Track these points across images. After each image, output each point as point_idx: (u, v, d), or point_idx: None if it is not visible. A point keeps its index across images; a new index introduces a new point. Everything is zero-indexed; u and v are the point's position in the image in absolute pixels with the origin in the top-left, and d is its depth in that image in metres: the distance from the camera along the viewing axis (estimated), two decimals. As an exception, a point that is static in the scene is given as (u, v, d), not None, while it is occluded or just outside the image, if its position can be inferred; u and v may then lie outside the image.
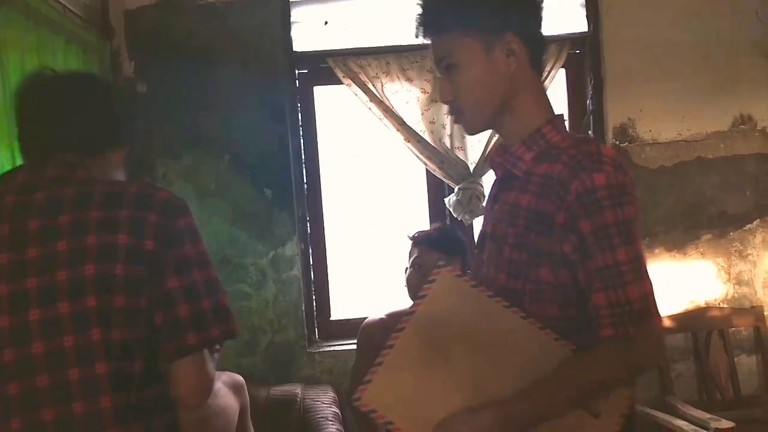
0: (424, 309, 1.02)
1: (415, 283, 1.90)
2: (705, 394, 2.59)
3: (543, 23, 1.12)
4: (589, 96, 2.73)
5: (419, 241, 1.96)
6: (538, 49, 1.11)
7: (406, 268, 1.97)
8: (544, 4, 1.12)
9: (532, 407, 0.98)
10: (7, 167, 1.53)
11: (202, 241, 1.04)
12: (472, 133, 1.18)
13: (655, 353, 1.04)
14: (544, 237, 1.01)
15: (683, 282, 2.65)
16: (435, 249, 1.91)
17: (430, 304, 1.02)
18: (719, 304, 2.68)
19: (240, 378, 1.93)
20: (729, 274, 2.69)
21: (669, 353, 2.61)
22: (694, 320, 2.62)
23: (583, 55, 2.74)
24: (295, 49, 2.65)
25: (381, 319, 2.04)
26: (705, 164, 2.69)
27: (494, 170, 1.17)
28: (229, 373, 1.92)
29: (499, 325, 1.01)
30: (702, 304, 2.68)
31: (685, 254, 2.66)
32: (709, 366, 2.58)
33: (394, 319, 2.01)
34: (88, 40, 2.13)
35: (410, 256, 1.97)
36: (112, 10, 2.42)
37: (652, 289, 1.00)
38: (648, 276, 1.00)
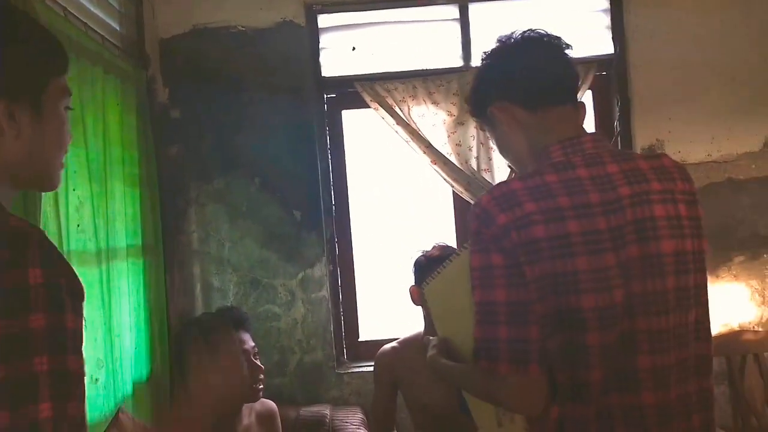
0: (461, 260, 1.16)
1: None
2: (740, 419, 2.53)
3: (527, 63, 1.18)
4: (617, 117, 2.73)
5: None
6: (527, 92, 1.16)
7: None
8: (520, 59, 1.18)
9: (454, 379, 1.24)
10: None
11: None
12: None
13: (509, 399, 1.05)
14: None
15: (716, 304, 2.59)
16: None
17: (460, 262, 1.15)
18: (754, 327, 2.63)
19: (272, 406, 1.94)
20: (763, 296, 2.64)
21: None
22: (728, 344, 2.57)
23: (609, 76, 2.75)
24: (323, 74, 2.71)
25: (394, 347, 2.07)
26: (736, 185, 2.66)
27: None
28: (263, 400, 1.93)
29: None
30: (736, 327, 2.63)
31: (717, 276, 2.62)
32: (744, 391, 2.53)
33: (407, 347, 2.04)
34: (124, 69, 2.21)
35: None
36: (147, 40, 2.50)
37: (498, 337, 1.02)
38: (500, 323, 1.02)
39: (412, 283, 2.02)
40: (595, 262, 1.00)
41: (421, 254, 2.03)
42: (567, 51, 1.19)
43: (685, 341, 1.08)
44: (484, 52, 1.24)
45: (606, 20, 2.74)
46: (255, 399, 1.79)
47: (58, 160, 0.90)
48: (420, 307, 2.01)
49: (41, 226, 1.54)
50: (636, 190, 1.06)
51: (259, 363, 1.79)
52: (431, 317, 1.30)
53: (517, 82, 1.17)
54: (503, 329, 1.01)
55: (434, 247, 2.04)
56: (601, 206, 1.03)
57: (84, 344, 0.79)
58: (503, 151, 1.24)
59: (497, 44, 1.22)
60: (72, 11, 1.89)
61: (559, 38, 1.20)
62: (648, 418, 1.03)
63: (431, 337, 1.36)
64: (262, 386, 1.79)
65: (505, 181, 1.13)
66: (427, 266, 1.96)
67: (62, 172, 0.92)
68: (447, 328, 1.26)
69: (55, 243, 1.62)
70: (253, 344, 1.82)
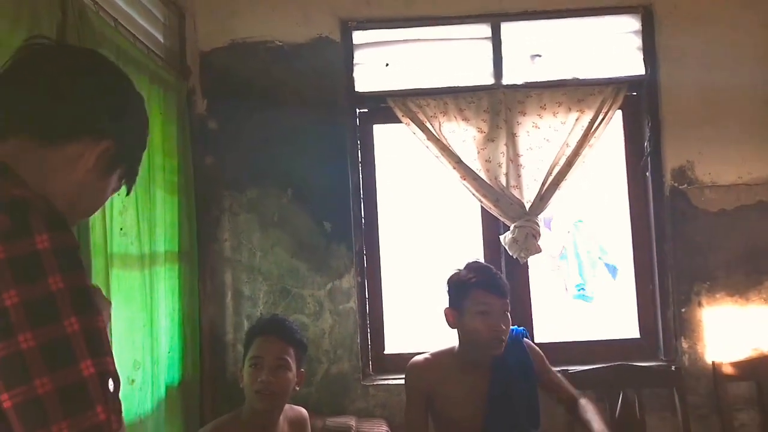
0: None
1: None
2: (770, 445, 2.48)
3: None
4: (647, 138, 2.74)
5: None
6: None
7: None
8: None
9: None
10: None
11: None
12: None
13: None
14: None
15: (746, 328, 2.58)
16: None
17: None
18: (784, 351, 2.59)
19: (304, 413, 1.95)
20: (794, 321, 2.61)
21: (732, 402, 2.53)
22: (758, 368, 2.54)
23: (640, 97, 2.76)
24: (357, 89, 2.76)
25: (426, 359, 2.06)
26: (767, 208, 2.64)
27: None
28: (294, 407, 1.95)
29: None
30: (766, 351, 2.60)
31: (747, 299, 2.60)
32: (774, 416, 2.49)
33: (439, 360, 2.05)
34: (167, 79, 2.28)
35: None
36: (189, 52, 2.58)
37: None
38: None
39: (446, 302, 2.02)
40: None
41: (454, 273, 2.03)
42: None
43: None
44: None
45: (637, 41, 2.76)
46: (257, 406, 1.79)
47: (80, 216, 0.98)
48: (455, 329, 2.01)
49: (89, 229, 1.59)
50: None
51: (264, 375, 1.77)
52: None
53: None
54: None
55: (467, 266, 2.05)
56: None
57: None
58: None
59: None
60: (122, 22, 1.97)
61: None
62: None
63: None
64: (260, 392, 1.77)
65: None
66: (461, 285, 1.97)
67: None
68: None
69: (100, 245, 1.67)
70: (275, 355, 1.81)
